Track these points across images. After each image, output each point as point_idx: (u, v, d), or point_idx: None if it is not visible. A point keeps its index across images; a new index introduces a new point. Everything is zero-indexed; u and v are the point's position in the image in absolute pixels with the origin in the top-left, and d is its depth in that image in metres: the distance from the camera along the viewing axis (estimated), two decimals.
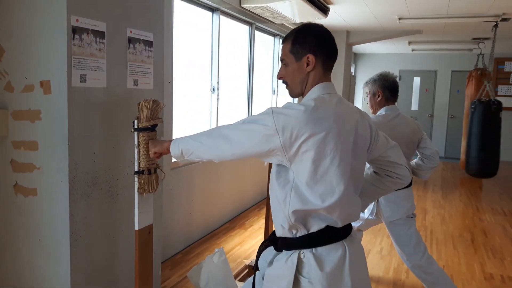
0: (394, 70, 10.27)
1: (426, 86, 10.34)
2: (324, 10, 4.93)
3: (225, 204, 4.41)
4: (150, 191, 1.68)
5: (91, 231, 1.98)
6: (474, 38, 7.44)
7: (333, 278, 1.39)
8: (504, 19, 5.41)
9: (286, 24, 5.59)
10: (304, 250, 1.41)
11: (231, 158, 1.47)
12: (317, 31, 1.48)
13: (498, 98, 6.08)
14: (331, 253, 1.40)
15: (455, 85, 10.04)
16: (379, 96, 2.59)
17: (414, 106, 10.48)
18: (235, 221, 4.51)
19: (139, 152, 1.63)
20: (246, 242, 3.91)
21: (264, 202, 5.28)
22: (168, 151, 1.58)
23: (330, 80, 1.50)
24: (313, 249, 1.41)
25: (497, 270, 3.48)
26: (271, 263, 1.53)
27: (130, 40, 2.14)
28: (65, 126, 1.82)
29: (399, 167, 1.61)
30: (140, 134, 1.61)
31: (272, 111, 1.37)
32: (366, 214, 2.74)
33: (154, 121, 1.63)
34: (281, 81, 1.59)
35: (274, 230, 1.56)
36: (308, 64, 1.45)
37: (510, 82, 9.41)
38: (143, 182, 1.65)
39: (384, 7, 5.12)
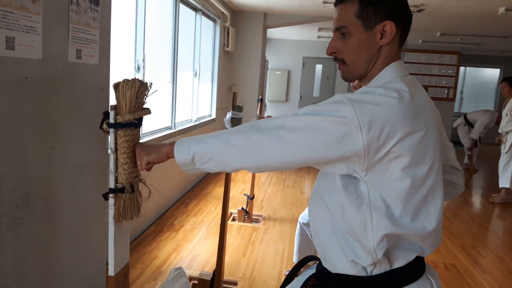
0: (298, 56, 10.36)
1: (327, 73, 10.62)
2: None
3: (148, 203, 3.78)
4: (134, 216, 1.12)
5: (24, 278, 1.32)
6: None
7: None
8: (419, 10, 5.59)
9: None
10: None
11: (277, 166, 1.00)
12: None
13: None
14: None
15: None
16: None
17: (316, 93, 10.72)
18: (161, 222, 3.91)
19: (116, 159, 1.06)
20: (182, 247, 3.38)
21: (189, 196, 4.74)
22: (167, 158, 1.06)
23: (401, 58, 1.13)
24: None
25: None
26: None
27: None
28: None
29: (458, 174, 1.32)
30: (120, 132, 1.03)
31: (349, 99, 0.94)
32: None
33: (141, 113, 1.07)
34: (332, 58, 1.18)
35: (318, 262, 1.17)
36: (383, 36, 1.05)
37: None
38: (123, 205, 1.08)
39: None
